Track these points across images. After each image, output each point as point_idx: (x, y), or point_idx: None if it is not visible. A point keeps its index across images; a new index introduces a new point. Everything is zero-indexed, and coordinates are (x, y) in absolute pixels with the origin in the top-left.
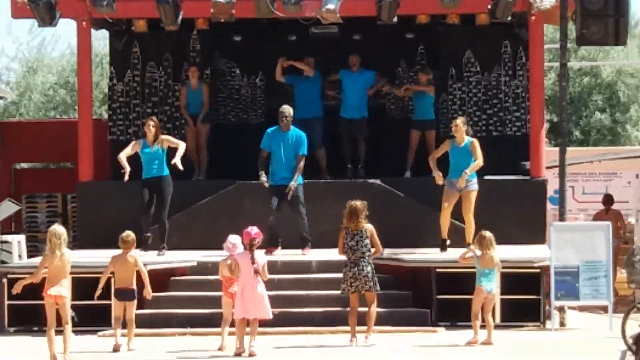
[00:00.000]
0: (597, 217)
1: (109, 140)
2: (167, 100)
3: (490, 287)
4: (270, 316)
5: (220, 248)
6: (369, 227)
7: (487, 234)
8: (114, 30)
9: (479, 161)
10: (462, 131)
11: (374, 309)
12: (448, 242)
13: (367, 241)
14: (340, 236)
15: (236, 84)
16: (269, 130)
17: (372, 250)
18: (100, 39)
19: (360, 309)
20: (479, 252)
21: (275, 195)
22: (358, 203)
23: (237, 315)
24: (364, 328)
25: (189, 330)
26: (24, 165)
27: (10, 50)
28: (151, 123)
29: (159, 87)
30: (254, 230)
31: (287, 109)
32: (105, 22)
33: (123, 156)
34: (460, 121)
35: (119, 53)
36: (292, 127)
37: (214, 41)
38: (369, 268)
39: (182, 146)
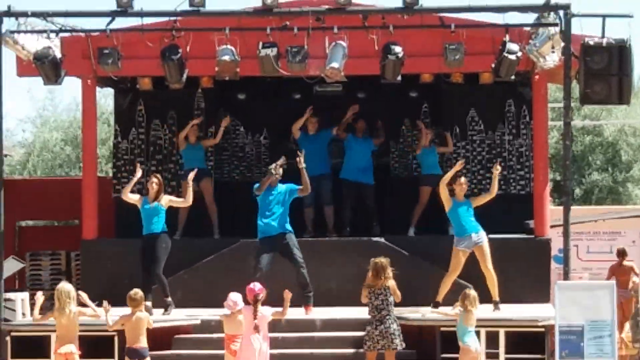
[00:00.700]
0: (612, 269)
1: (113, 198)
2: (172, 158)
3: (475, 346)
4: None
5: (224, 306)
6: (391, 284)
7: (472, 292)
8: (119, 88)
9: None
10: (464, 189)
11: None
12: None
13: (392, 299)
14: (365, 294)
15: (240, 142)
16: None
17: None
18: (108, 96)
19: None
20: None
21: (265, 251)
22: (383, 260)
23: None
24: None
25: None
26: (28, 222)
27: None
28: (154, 180)
29: (163, 145)
30: (257, 286)
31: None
32: (110, 80)
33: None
34: (462, 180)
35: (124, 111)
36: (278, 183)
37: (219, 99)
38: (395, 325)
39: (187, 203)
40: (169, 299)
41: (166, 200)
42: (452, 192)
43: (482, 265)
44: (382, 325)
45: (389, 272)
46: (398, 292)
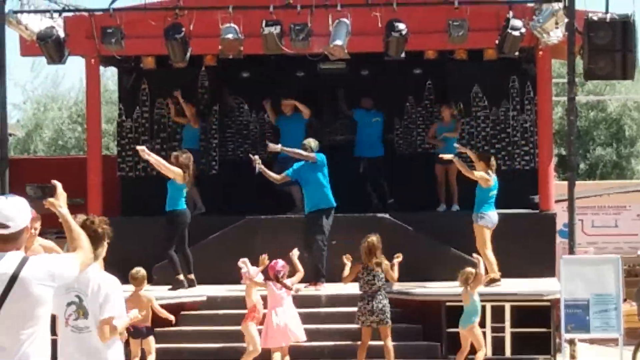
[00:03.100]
0: None
1: (117, 177)
2: (176, 136)
3: (462, 325)
4: (304, 338)
5: (230, 282)
6: (386, 264)
7: (467, 269)
8: (123, 68)
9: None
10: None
11: (390, 343)
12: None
13: (383, 275)
14: (355, 270)
15: (244, 120)
16: (298, 164)
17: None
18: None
19: (371, 343)
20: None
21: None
22: (374, 239)
23: (274, 344)
24: None
25: None
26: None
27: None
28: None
29: (167, 124)
30: (279, 263)
31: (308, 142)
32: (114, 59)
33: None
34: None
35: (128, 90)
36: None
37: (223, 77)
38: (385, 301)
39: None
40: (179, 276)
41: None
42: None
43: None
44: (374, 301)
45: (380, 250)
46: (392, 274)
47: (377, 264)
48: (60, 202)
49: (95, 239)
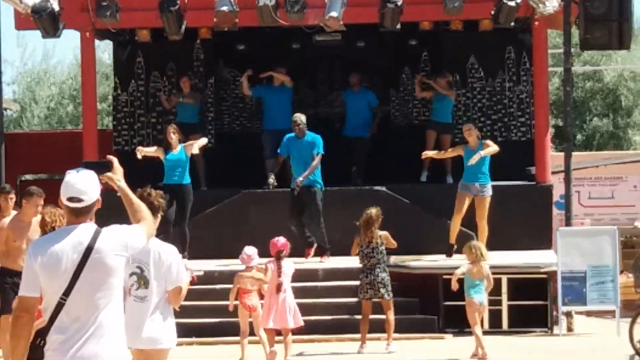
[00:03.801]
0: None
1: (113, 151)
2: (172, 110)
3: (480, 299)
4: (301, 324)
5: (227, 257)
6: (382, 234)
7: (478, 244)
8: (118, 41)
9: (494, 147)
10: (474, 134)
11: (392, 317)
12: (455, 248)
13: (383, 248)
14: (356, 242)
15: (240, 93)
16: (287, 137)
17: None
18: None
19: (371, 317)
20: (465, 269)
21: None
22: (373, 211)
23: (264, 325)
24: (375, 335)
25: (195, 339)
26: (29, 177)
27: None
28: (171, 130)
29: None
30: (280, 241)
31: (299, 117)
32: (109, 32)
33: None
34: (472, 125)
35: (123, 63)
36: (306, 131)
37: (218, 50)
38: (384, 274)
39: (202, 140)
40: (185, 253)
41: (189, 147)
42: (465, 141)
43: (477, 216)
44: (372, 274)
45: (379, 223)
46: (392, 240)
47: (367, 238)
48: (118, 176)
49: (151, 211)
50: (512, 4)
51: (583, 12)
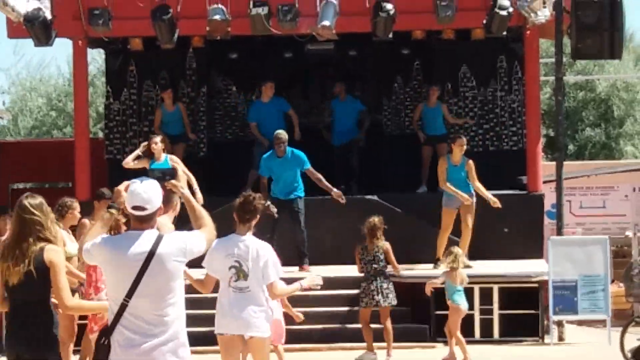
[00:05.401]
0: None
1: (105, 159)
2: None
3: (465, 305)
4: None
5: None
6: (384, 245)
7: (455, 249)
8: (110, 49)
9: (478, 184)
10: (461, 151)
11: (390, 325)
12: (441, 261)
13: (383, 257)
14: (357, 253)
15: (232, 102)
16: (265, 156)
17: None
18: (94, 58)
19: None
20: (443, 278)
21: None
22: (376, 219)
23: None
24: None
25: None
26: (19, 185)
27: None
28: (158, 139)
29: (155, 106)
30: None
31: (284, 135)
32: (101, 41)
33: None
34: (465, 141)
35: (115, 72)
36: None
37: (210, 59)
38: (386, 284)
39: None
40: None
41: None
42: (450, 150)
43: (464, 224)
44: (376, 282)
45: (381, 231)
46: (394, 260)
47: (370, 246)
48: (182, 183)
49: (253, 213)
50: (504, 13)
51: (575, 22)
